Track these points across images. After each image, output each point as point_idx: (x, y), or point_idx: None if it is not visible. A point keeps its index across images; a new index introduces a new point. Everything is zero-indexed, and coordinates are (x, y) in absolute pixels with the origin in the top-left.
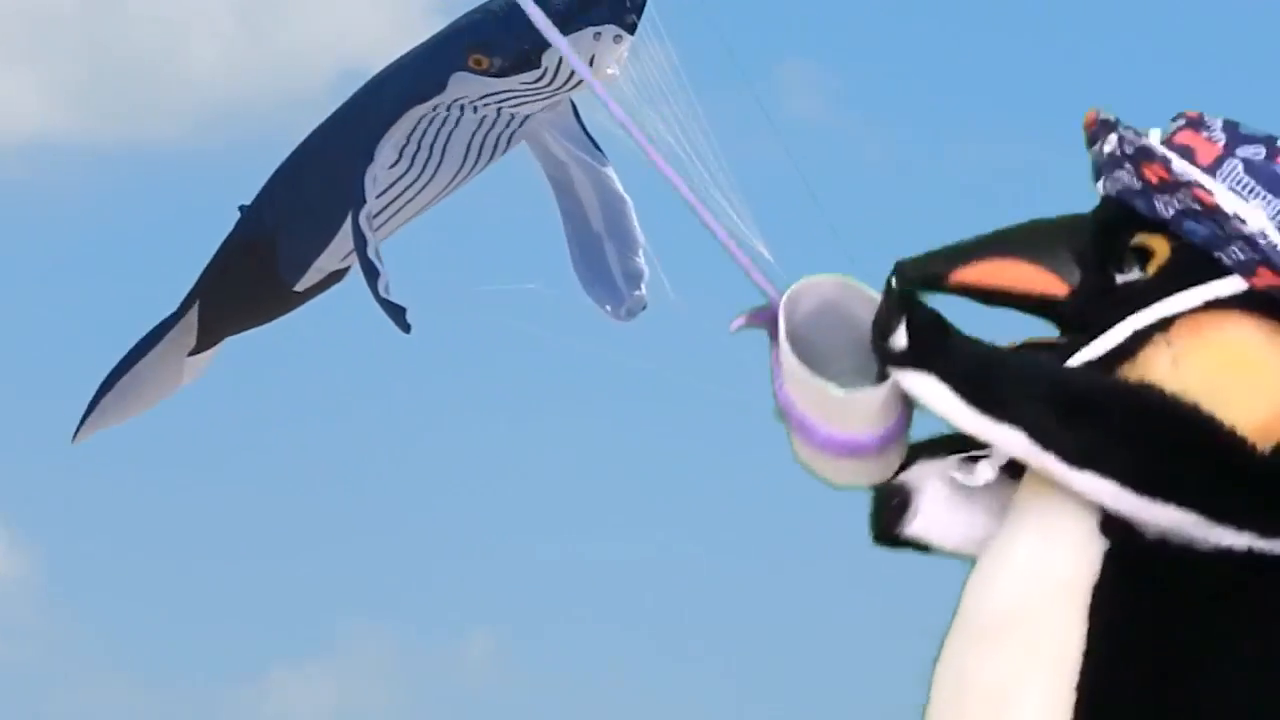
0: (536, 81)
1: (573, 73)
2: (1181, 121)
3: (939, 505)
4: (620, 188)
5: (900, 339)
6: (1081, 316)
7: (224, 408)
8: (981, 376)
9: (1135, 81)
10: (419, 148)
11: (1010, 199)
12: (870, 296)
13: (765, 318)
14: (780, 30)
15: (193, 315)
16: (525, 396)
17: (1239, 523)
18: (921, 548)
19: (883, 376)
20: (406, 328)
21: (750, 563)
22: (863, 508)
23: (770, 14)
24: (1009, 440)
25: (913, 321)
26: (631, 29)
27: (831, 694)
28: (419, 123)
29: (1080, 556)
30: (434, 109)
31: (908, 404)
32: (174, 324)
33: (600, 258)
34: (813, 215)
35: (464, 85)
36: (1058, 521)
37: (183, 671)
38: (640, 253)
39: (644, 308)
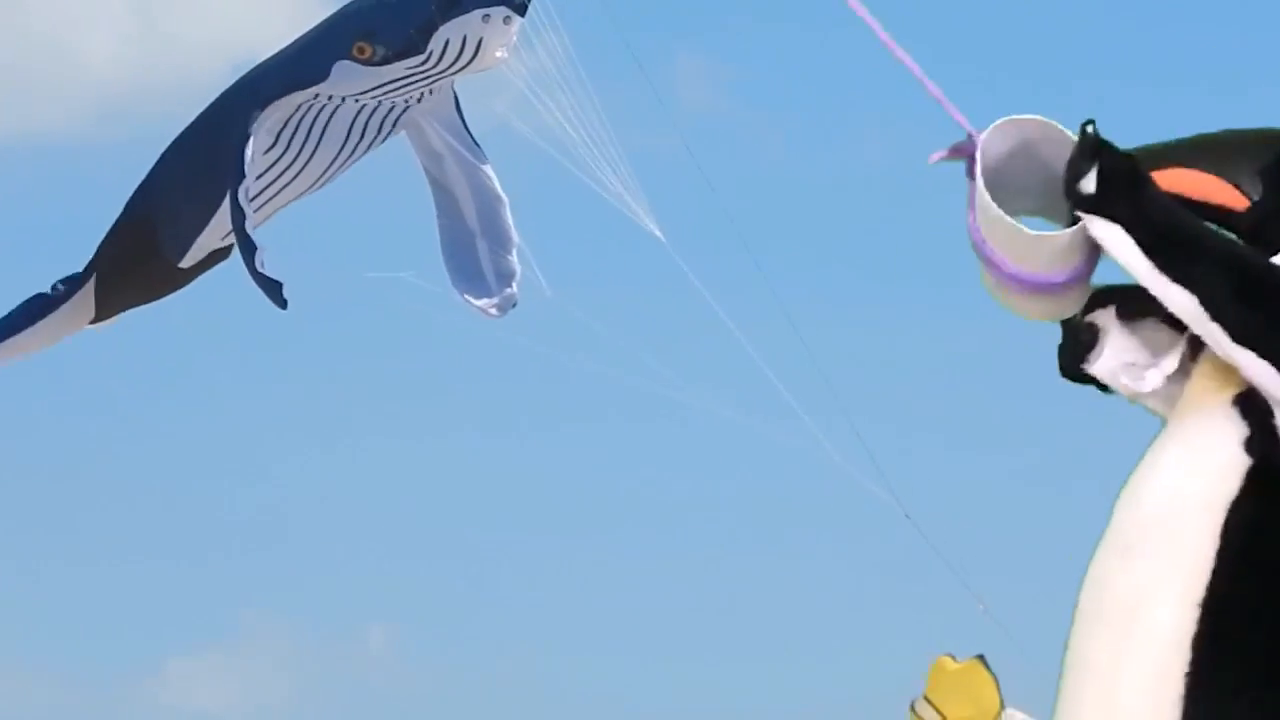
0: (421, 65)
1: (458, 57)
2: None
3: (1126, 350)
4: (498, 186)
5: (1089, 183)
6: (1258, 231)
7: (116, 400)
8: (1167, 234)
9: (1027, 71)
10: (296, 132)
11: (899, 184)
12: (1069, 139)
13: (964, 152)
14: (675, 22)
15: (90, 287)
16: (420, 384)
17: None
18: (1102, 387)
19: (1073, 218)
20: (283, 303)
21: (641, 549)
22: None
23: (665, 6)
24: (1179, 301)
25: (1104, 168)
26: (521, 10)
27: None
28: (298, 109)
29: (1222, 473)
30: (314, 97)
31: (1094, 247)
32: (71, 294)
33: (472, 254)
34: (708, 201)
35: (347, 73)
36: (1205, 438)
37: (82, 665)
38: (514, 251)
39: (515, 305)
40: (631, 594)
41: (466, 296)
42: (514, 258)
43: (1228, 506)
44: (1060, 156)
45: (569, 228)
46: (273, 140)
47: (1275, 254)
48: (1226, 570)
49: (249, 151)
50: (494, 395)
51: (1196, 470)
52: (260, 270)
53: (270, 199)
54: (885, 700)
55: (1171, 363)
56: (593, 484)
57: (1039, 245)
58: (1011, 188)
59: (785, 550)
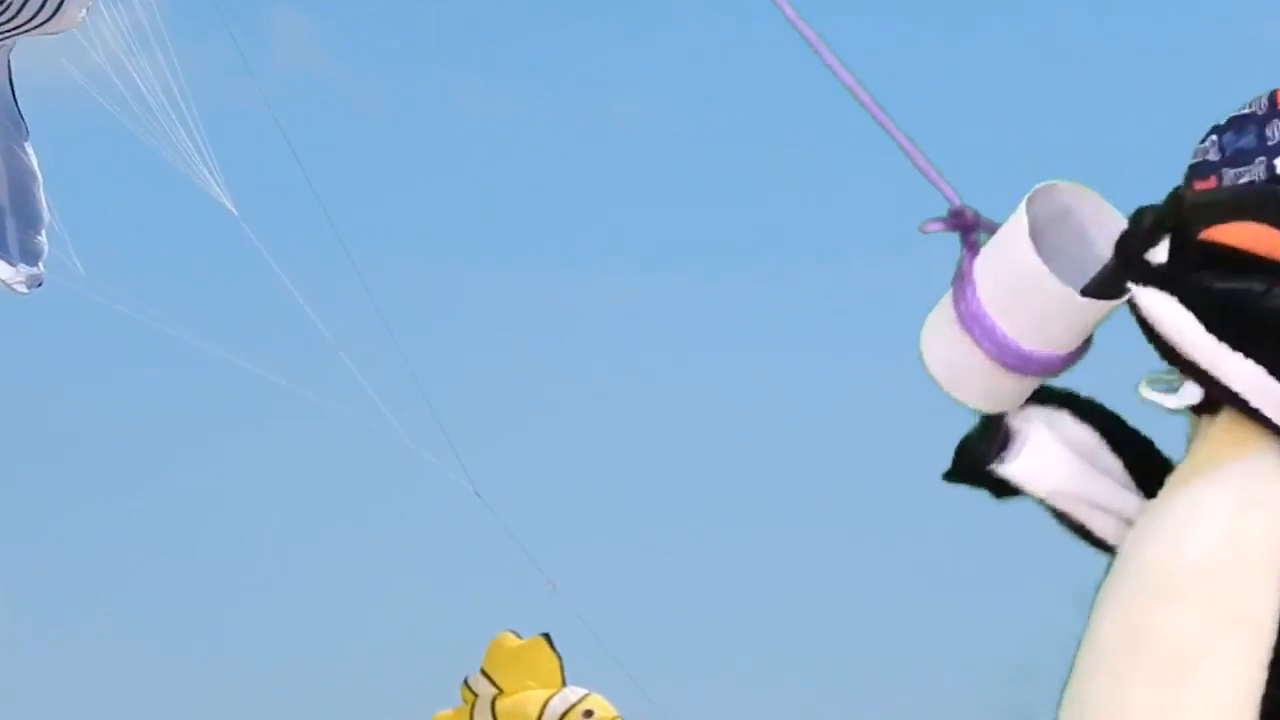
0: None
1: (38, 13)
2: None
3: (1047, 451)
4: (34, 164)
5: (1160, 254)
6: None
7: None
8: (1232, 306)
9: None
10: None
11: (501, 147)
12: (1109, 209)
13: (960, 223)
14: None
15: None
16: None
17: None
18: (997, 491)
19: (1107, 291)
20: None
21: (203, 525)
22: None
23: None
24: (1242, 372)
25: (1178, 240)
26: None
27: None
28: None
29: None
30: None
31: (1091, 334)
32: None
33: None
34: (289, 161)
35: None
36: (1258, 489)
37: None
38: (43, 230)
39: (40, 284)
40: (197, 572)
41: None
42: (43, 237)
43: None
44: (1100, 227)
45: (132, 201)
46: None
47: None
48: None
49: None
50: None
51: (1252, 516)
52: None
53: None
54: (450, 674)
55: (1194, 394)
56: (150, 464)
57: (1075, 315)
58: (1044, 255)
59: (357, 526)
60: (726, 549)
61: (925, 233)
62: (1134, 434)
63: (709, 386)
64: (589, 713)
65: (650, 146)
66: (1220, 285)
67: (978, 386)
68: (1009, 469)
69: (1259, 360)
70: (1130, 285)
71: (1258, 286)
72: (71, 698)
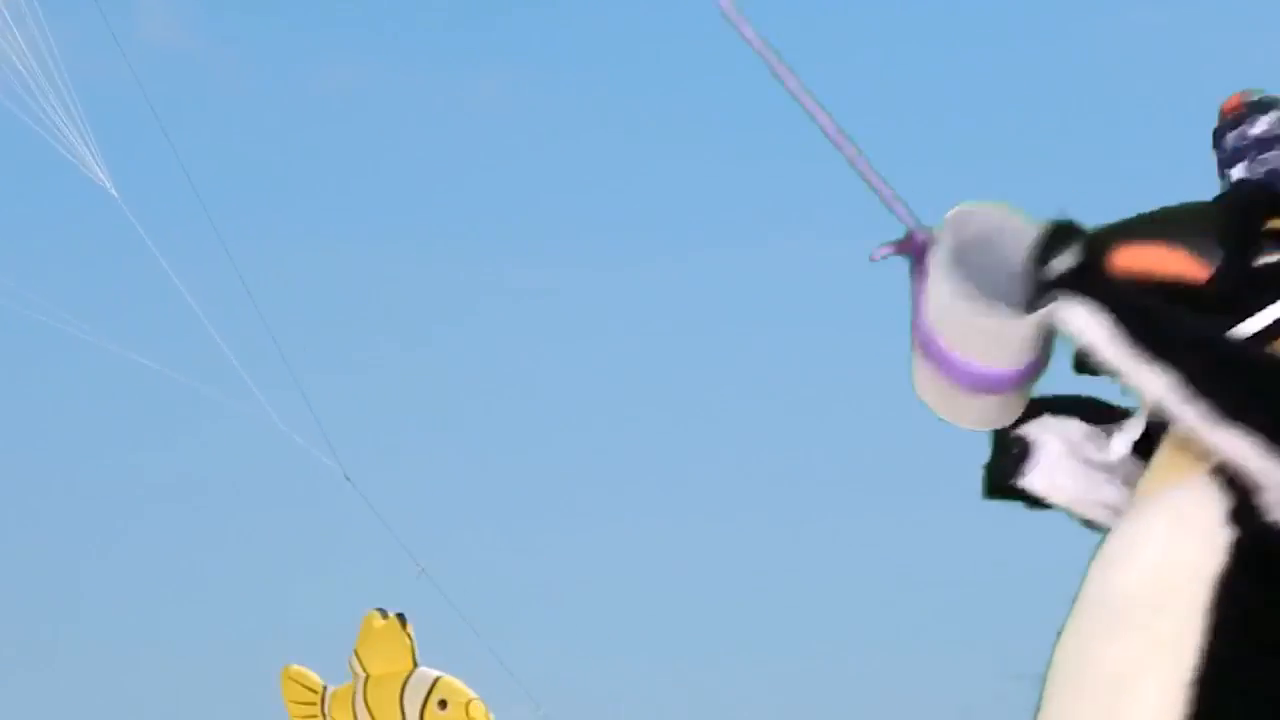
0: None
1: None
2: None
3: (1058, 461)
4: None
5: (1067, 262)
6: (1224, 299)
7: None
8: (1141, 315)
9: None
10: None
11: (362, 119)
12: (1027, 227)
13: (909, 248)
14: None
15: None
16: None
17: None
18: (1032, 501)
19: (1031, 305)
20: None
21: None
22: None
23: None
24: (1156, 383)
25: (1077, 250)
26: None
27: None
28: None
29: (1208, 549)
30: None
31: (1048, 341)
32: None
33: None
34: (158, 138)
35: None
36: (1187, 509)
37: None
38: None
39: None
40: (66, 552)
41: None
42: None
43: (1216, 580)
44: (1017, 245)
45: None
46: None
47: (1246, 319)
48: (1216, 648)
49: None
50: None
51: (1182, 541)
52: None
53: None
54: (326, 654)
55: (1136, 429)
56: (13, 445)
57: (1008, 331)
58: (968, 278)
59: (230, 508)
60: (595, 530)
61: (875, 260)
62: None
63: (580, 369)
64: (442, 703)
65: (512, 126)
66: (1131, 298)
67: (957, 408)
68: (1030, 482)
69: (1169, 371)
70: (1046, 297)
71: (1164, 304)
72: None
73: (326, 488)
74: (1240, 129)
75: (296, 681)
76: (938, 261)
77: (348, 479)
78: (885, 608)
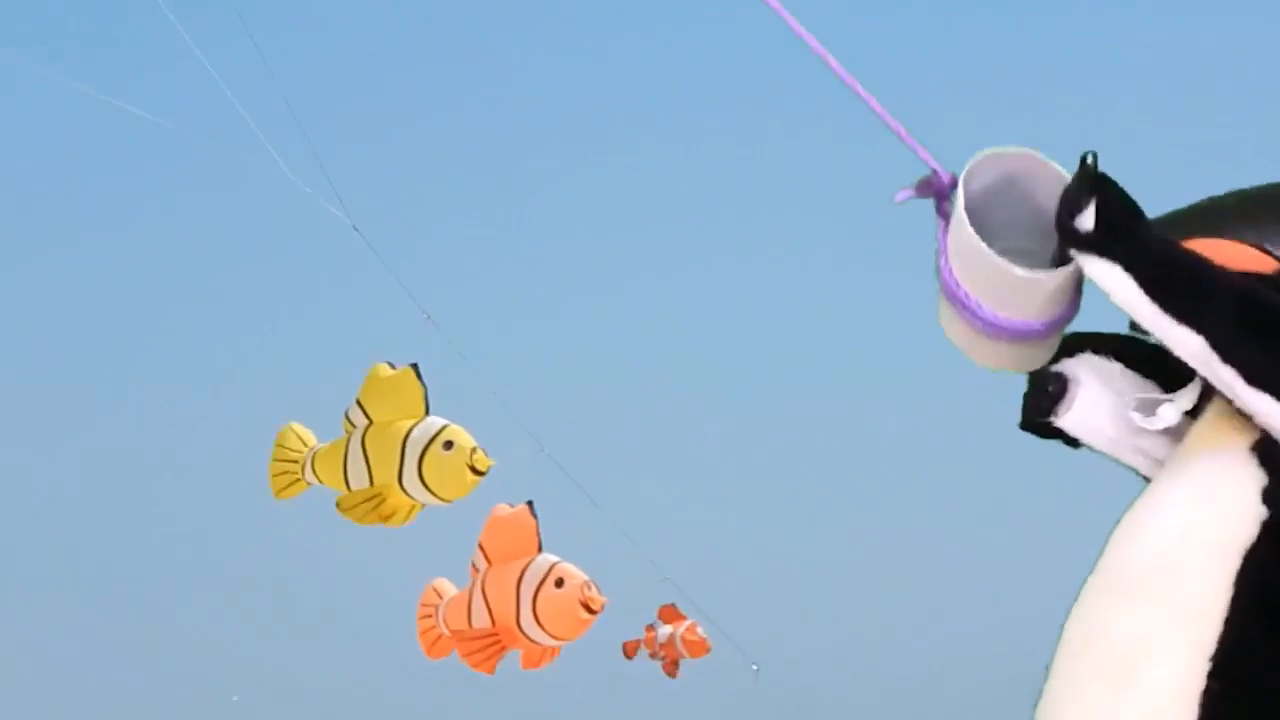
0: None
1: None
2: None
3: (1097, 402)
4: None
5: (1088, 220)
6: None
7: None
8: (1171, 273)
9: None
10: None
11: None
12: (1058, 174)
13: (933, 190)
14: None
15: None
16: None
17: None
18: (1069, 441)
19: (1061, 259)
20: None
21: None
22: None
23: None
24: (1186, 343)
25: (1104, 203)
26: None
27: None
28: None
29: (1238, 518)
30: None
31: (1078, 291)
32: None
33: None
34: None
35: None
36: (1219, 485)
37: None
38: None
39: None
40: (74, 300)
41: None
42: None
43: (1243, 554)
44: (1050, 193)
45: None
46: None
47: None
48: (1239, 624)
49: None
50: None
51: (1209, 511)
52: None
53: None
54: (328, 406)
55: (1189, 399)
56: (21, 202)
57: (1029, 288)
58: (994, 227)
59: (233, 258)
60: (623, 298)
61: (897, 202)
62: (1180, 368)
63: (605, 110)
64: (448, 444)
65: None
66: (1163, 254)
67: (985, 354)
68: (1064, 422)
69: (1201, 332)
70: (1072, 253)
71: (1200, 260)
72: None
73: (334, 241)
74: None
75: (294, 434)
76: (961, 207)
77: (355, 229)
78: None
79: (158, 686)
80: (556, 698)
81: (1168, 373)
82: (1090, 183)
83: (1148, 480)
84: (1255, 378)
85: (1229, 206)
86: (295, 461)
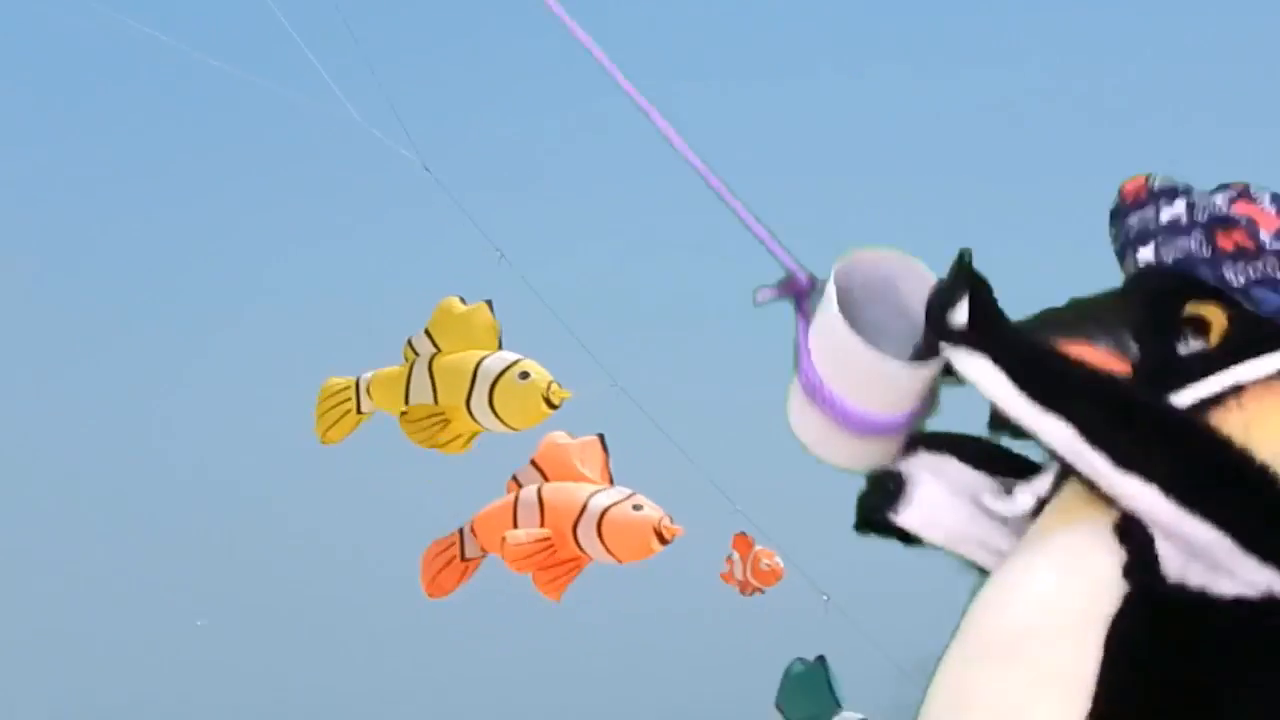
0: None
1: None
2: (1233, 192)
3: (935, 497)
4: None
5: (960, 314)
6: (1148, 386)
7: None
8: (1039, 366)
9: None
10: None
11: None
12: (923, 272)
13: (793, 290)
14: None
15: None
16: None
17: (1267, 555)
18: (906, 538)
19: (926, 353)
20: None
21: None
22: None
23: None
24: (1055, 431)
25: (976, 299)
26: None
27: None
28: None
29: (1103, 592)
30: None
31: (934, 392)
32: None
33: None
34: None
35: None
36: (1081, 557)
37: None
38: None
39: None
40: (139, 244)
41: None
42: None
43: (1108, 623)
44: (917, 292)
45: None
46: None
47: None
48: (1109, 689)
49: None
50: None
51: (1073, 581)
52: None
53: None
54: (397, 338)
55: (1045, 483)
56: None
57: (899, 381)
58: (860, 325)
59: (306, 202)
60: (690, 234)
61: (759, 304)
62: (1017, 460)
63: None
64: (525, 374)
65: None
66: (1030, 348)
67: (837, 450)
68: (903, 519)
69: (1069, 420)
70: (942, 346)
71: (1063, 354)
72: None
73: (407, 182)
74: (1144, 211)
75: (339, 381)
76: (827, 305)
77: (426, 169)
78: None
79: (138, 606)
80: (623, 627)
81: (1002, 467)
82: (965, 278)
83: (985, 572)
84: (1124, 461)
85: (1085, 311)
86: (344, 401)
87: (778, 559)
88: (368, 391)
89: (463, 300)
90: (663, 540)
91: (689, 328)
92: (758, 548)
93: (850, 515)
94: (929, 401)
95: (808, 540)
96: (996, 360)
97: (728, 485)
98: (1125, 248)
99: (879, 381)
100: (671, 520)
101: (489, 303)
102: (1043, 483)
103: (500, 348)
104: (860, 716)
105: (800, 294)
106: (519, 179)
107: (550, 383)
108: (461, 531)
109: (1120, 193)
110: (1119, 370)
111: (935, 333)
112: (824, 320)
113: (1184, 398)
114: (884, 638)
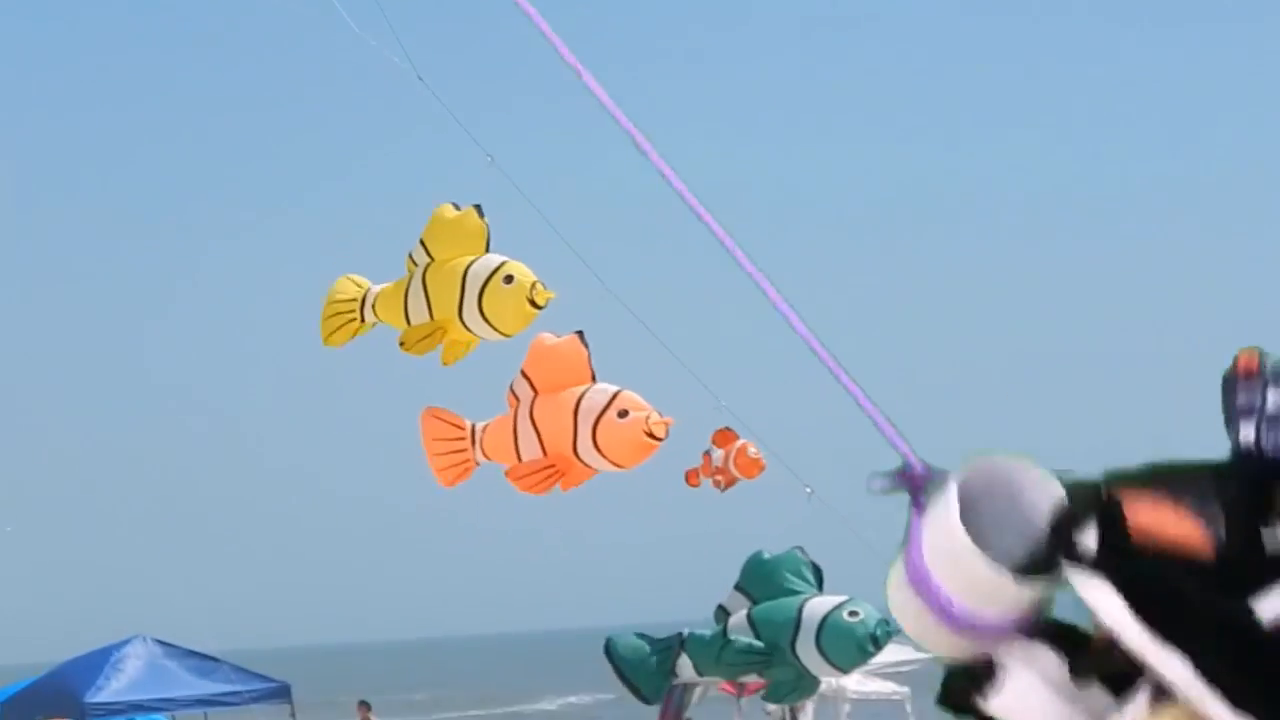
0: None
1: None
2: None
3: (1027, 688)
4: None
5: (1089, 539)
6: (1227, 573)
7: None
8: (1159, 598)
9: None
10: None
11: None
12: (1050, 484)
13: (909, 482)
14: None
15: None
16: None
17: None
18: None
19: (1045, 565)
20: None
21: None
22: None
23: None
24: (1171, 665)
25: (1106, 525)
26: None
27: None
28: None
29: None
30: None
31: (1045, 603)
32: None
33: None
34: None
35: None
36: None
37: None
38: None
39: None
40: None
41: None
42: None
43: None
44: (1038, 504)
45: None
46: None
47: (1248, 596)
48: None
49: None
50: None
51: None
52: None
53: None
54: (393, 249)
55: (1143, 707)
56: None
57: (1013, 589)
58: (979, 527)
59: (303, 110)
60: (678, 138)
61: (874, 492)
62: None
63: None
64: (509, 278)
65: None
66: (1150, 578)
67: (936, 640)
68: (992, 705)
69: (1187, 656)
70: (1065, 564)
71: (1182, 583)
72: None
73: (399, 90)
74: (1253, 390)
75: (351, 282)
76: (948, 505)
77: (420, 78)
78: None
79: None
80: (613, 520)
81: (1085, 654)
82: (1093, 503)
83: None
84: (1240, 701)
85: (1186, 475)
86: (349, 311)
87: (755, 450)
88: (373, 307)
89: (456, 206)
90: (655, 437)
91: (676, 225)
92: (739, 441)
93: (831, 408)
94: (1038, 609)
95: (792, 435)
96: (1121, 589)
97: (713, 381)
98: (1231, 418)
99: (992, 591)
100: (659, 414)
101: (478, 207)
102: (1141, 704)
103: (488, 251)
104: (844, 598)
105: (917, 486)
106: (510, 88)
107: (534, 283)
108: (473, 429)
109: (1234, 362)
110: (1201, 544)
111: (1060, 552)
112: (942, 523)
113: (1269, 606)
114: (867, 531)
